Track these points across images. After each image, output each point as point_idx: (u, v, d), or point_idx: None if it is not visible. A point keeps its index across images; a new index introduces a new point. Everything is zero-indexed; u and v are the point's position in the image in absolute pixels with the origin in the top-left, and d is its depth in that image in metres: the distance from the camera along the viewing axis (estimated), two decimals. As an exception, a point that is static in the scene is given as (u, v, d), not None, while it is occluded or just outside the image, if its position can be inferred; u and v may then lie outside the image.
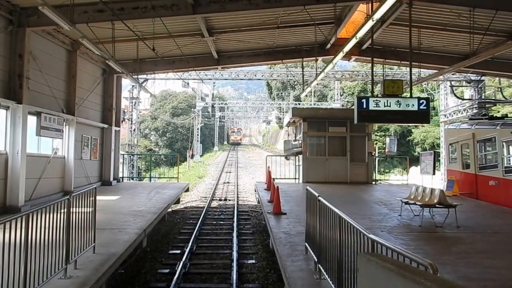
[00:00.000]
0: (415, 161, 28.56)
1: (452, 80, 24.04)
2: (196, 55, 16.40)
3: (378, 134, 40.70)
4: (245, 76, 26.15)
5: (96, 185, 14.09)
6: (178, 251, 9.37)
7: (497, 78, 22.24)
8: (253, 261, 8.71)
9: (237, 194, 19.71)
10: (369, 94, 12.03)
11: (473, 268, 5.59)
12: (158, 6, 10.52)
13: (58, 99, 12.75)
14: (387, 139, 29.06)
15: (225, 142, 77.67)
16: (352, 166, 17.31)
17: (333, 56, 13.30)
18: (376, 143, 31.96)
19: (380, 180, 21.04)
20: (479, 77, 21.75)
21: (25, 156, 10.52)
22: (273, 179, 12.74)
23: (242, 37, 14.70)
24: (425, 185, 12.75)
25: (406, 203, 9.20)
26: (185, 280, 7.52)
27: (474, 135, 13.36)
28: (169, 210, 13.48)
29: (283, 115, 51.30)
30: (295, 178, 18.49)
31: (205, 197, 18.85)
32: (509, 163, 11.98)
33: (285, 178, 18.63)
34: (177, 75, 21.99)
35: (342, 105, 40.84)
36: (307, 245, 6.01)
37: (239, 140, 75.43)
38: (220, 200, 18.13)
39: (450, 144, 15.63)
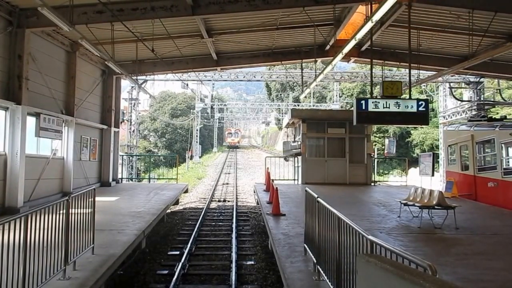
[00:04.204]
0: (414, 162, 28.58)
1: (451, 82, 24.09)
2: (195, 56, 16.41)
3: (377, 135, 40.74)
4: (244, 77, 26.15)
5: (95, 186, 14.06)
6: (177, 252, 9.36)
7: (496, 80, 22.28)
8: (252, 262, 8.71)
9: (236, 195, 19.71)
10: (368, 96, 12.03)
11: (472, 269, 5.60)
12: (157, 7, 10.52)
13: (57, 100, 12.74)
14: (386, 141, 29.10)
15: (224, 143, 76.96)
16: (351, 167, 17.32)
17: (332, 58, 13.30)
18: (375, 145, 31.97)
19: (379, 181, 21.05)
20: (478, 78, 21.79)
21: (24, 157, 10.50)
22: (272, 180, 12.73)
23: (241, 38, 14.70)
24: (424, 186, 12.76)
25: (405, 204, 9.21)
26: (184, 281, 7.52)
27: (473, 137, 13.37)
28: (168, 211, 13.46)
29: (282, 116, 51.30)
30: (294, 179, 18.49)
31: (204, 198, 18.86)
32: (508, 165, 11.99)
33: (284, 179, 18.63)
34: (176, 76, 22.02)
35: (341, 107, 40.87)
36: (306, 246, 6.01)
37: (236, 143, 66.98)
38: (219, 201, 18.13)
39: (449, 145, 15.65)
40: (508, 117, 15.12)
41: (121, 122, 21.27)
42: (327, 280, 4.63)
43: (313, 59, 15.86)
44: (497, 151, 12.03)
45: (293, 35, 15.03)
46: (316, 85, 22.29)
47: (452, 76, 22.31)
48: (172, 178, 21.95)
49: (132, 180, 23.60)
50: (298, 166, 18.00)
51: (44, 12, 7.61)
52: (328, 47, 15.53)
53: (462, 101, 22.56)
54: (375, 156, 29.00)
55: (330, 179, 17.15)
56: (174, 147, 56.10)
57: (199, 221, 12.66)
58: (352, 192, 14.63)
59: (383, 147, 32.36)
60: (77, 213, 5.52)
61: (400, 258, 2.81)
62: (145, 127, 57.16)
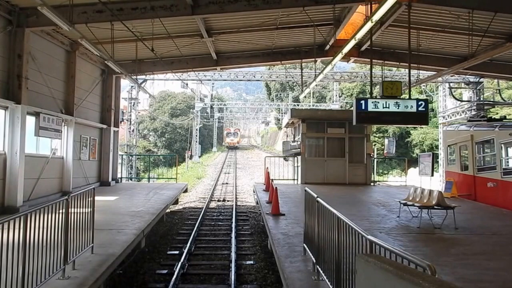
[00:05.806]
0: (414, 162, 28.58)
1: (451, 82, 24.10)
2: (195, 55, 16.41)
3: (377, 135, 40.73)
4: (244, 77, 26.13)
5: (95, 185, 14.06)
6: (177, 252, 9.36)
7: (495, 80, 22.30)
8: (252, 262, 8.71)
9: (236, 195, 19.71)
10: (368, 96, 12.04)
11: (471, 269, 5.60)
12: (157, 7, 10.52)
13: (57, 100, 12.73)
14: (386, 141, 29.12)
15: (223, 144, 76.60)
16: (351, 167, 17.32)
17: (332, 57, 13.30)
18: (374, 145, 31.99)
19: (378, 181, 21.06)
20: (477, 79, 21.80)
21: (24, 156, 10.50)
22: (272, 180, 12.74)
23: (241, 38, 14.70)
24: (424, 186, 12.77)
25: (405, 204, 9.21)
26: (183, 281, 7.52)
27: (473, 137, 13.38)
28: (168, 210, 13.46)
29: (282, 116, 51.29)
30: (294, 179, 18.49)
31: (204, 197, 18.86)
32: (507, 165, 12.00)
33: (283, 179, 18.63)
34: (176, 75, 21.98)
35: (341, 106, 40.85)
36: (305, 246, 6.01)
37: (236, 143, 65.83)
38: (218, 200, 18.13)
39: (448, 145, 15.65)
40: (507, 117, 15.13)
41: (121, 122, 21.27)
42: (327, 280, 4.63)
43: (313, 59, 15.86)
44: (497, 151, 12.04)
45: (293, 35, 15.03)
46: (316, 85, 22.27)
47: (451, 76, 22.32)
48: (171, 178, 21.95)
49: (131, 180, 23.58)
50: (297, 166, 18.00)
51: (44, 11, 7.61)
52: (328, 47, 15.53)
53: (461, 101, 22.57)
54: (375, 156, 29.03)
55: (329, 179, 17.15)
56: (174, 147, 56.04)
57: (198, 220, 12.66)
58: (351, 192, 14.63)
59: (383, 147, 32.37)
60: (77, 213, 5.52)
61: (400, 258, 2.81)
62: (144, 126, 57.13)
